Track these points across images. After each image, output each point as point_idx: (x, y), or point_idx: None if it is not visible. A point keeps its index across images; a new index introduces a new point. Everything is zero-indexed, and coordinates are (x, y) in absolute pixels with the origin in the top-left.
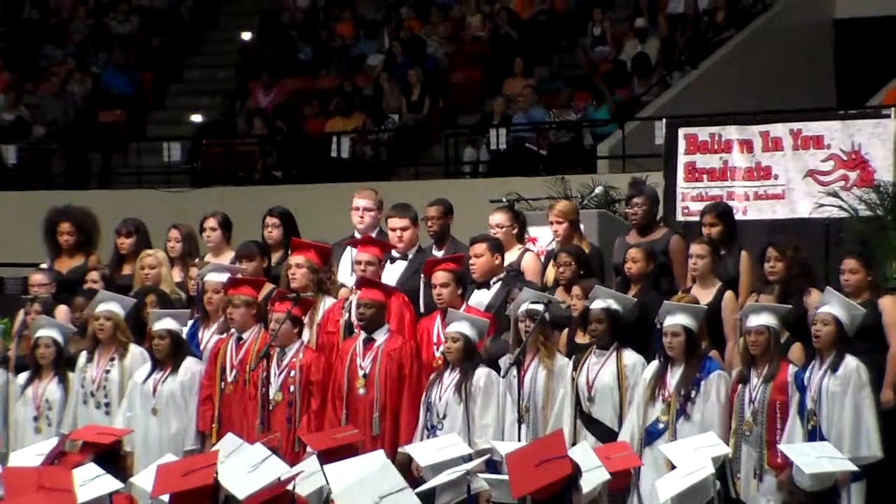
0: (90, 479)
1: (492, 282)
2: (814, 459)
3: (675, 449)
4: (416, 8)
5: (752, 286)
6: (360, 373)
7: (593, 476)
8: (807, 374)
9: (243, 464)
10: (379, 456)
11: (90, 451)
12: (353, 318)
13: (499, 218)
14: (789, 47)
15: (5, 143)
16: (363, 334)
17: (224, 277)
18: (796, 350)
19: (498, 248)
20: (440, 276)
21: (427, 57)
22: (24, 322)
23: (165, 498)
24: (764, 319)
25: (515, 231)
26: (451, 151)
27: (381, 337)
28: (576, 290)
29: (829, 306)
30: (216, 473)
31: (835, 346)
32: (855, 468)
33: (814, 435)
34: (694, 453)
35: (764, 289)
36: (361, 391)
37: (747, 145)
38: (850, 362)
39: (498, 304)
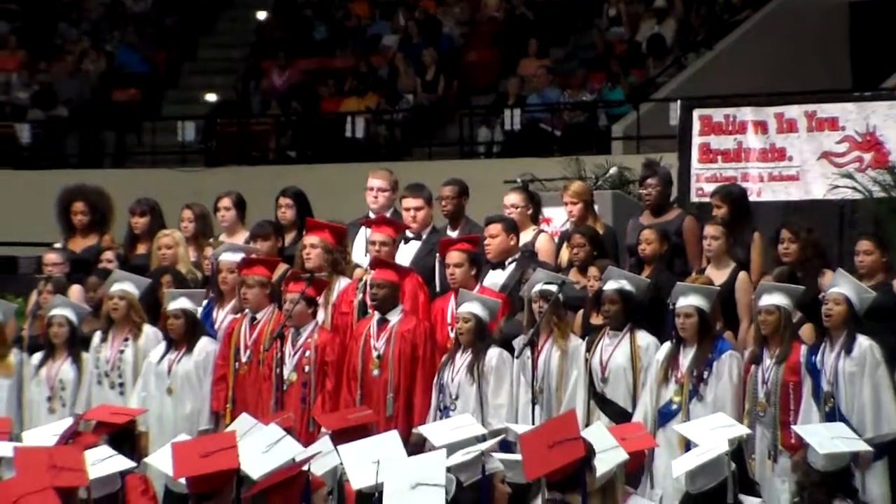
0: (102, 459)
1: (507, 262)
2: (828, 440)
3: (692, 428)
4: None
5: (765, 267)
6: (374, 354)
7: (610, 456)
8: (818, 356)
9: (258, 444)
10: (392, 436)
11: (104, 431)
12: (368, 299)
13: (514, 198)
14: (804, 29)
15: (20, 121)
16: (377, 315)
17: (238, 257)
18: (807, 330)
19: (513, 228)
20: (454, 257)
21: (442, 37)
22: (37, 302)
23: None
24: (775, 299)
25: (530, 212)
26: (465, 132)
27: (394, 318)
28: (592, 270)
29: (840, 287)
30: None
31: (845, 325)
32: (869, 448)
33: (832, 416)
34: (711, 433)
35: (770, 270)
36: (375, 372)
37: (762, 126)
38: (863, 342)
39: (512, 285)
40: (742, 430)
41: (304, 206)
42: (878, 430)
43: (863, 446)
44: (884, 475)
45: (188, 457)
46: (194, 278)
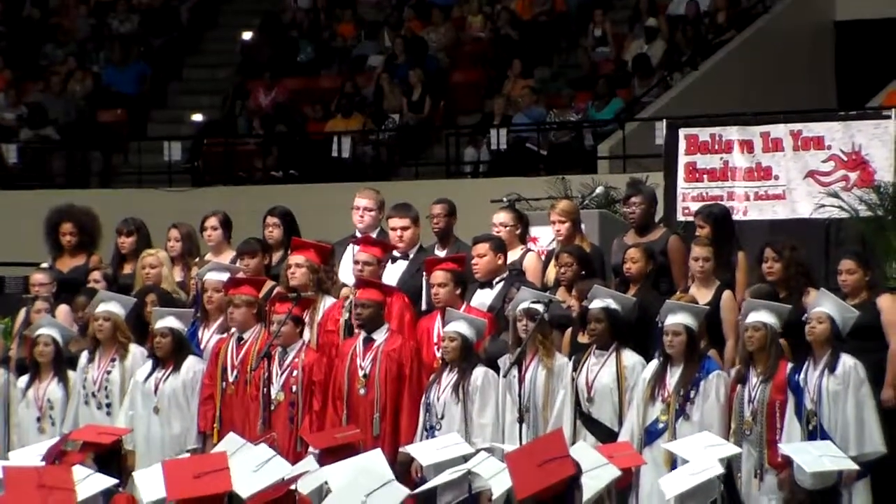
0: (84, 478)
1: (494, 282)
2: (815, 458)
3: (682, 446)
4: (416, 8)
5: (749, 286)
6: (361, 373)
7: (600, 474)
8: (801, 374)
9: (247, 463)
10: (376, 455)
11: (91, 450)
12: (353, 319)
13: (503, 217)
14: (790, 49)
15: (6, 141)
16: (363, 334)
17: (224, 276)
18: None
19: (501, 247)
20: (438, 276)
21: (428, 57)
22: (24, 322)
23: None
24: (762, 317)
25: (518, 231)
26: (451, 151)
27: (380, 337)
28: (577, 289)
29: (823, 306)
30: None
31: (829, 344)
32: (856, 466)
33: (814, 435)
34: (703, 451)
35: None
36: (362, 391)
37: (748, 146)
38: (847, 360)
39: (499, 305)
40: (732, 448)
41: (291, 225)
42: (861, 449)
43: (850, 464)
44: (866, 494)
45: (181, 478)
46: (178, 298)
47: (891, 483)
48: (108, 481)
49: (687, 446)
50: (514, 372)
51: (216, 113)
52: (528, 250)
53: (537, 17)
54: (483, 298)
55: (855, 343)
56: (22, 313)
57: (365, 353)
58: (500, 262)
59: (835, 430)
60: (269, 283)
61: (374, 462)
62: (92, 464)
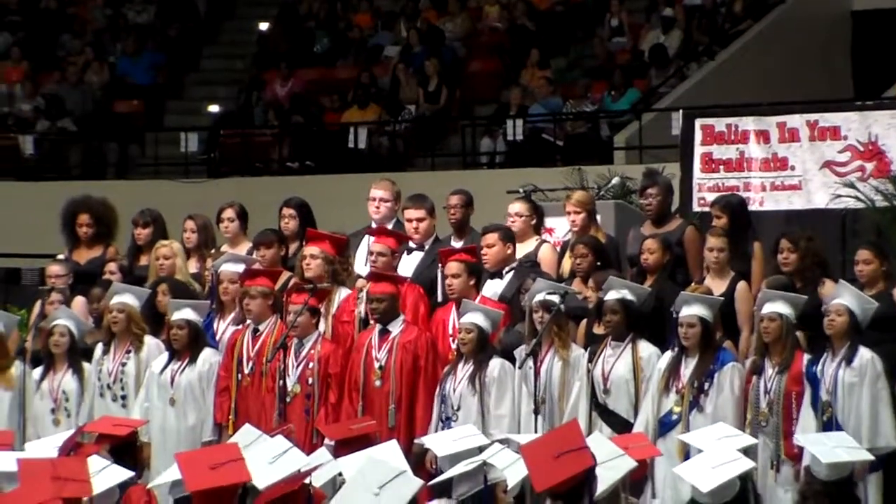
0: (101, 470)
1: (504, 272)
2: (830, 449)
3: (697, 437)
4: None
5: (766, 277)
6: (376, 365)
7: (616, 465)
8: (819, 365)
9: (264, 454)
10: (391, 446)
11: (106, 442)
12: (368, 312)
13: (518, 207)
14: (806, 38)
15: (23, 133)
16: (378, 326)
17: (239, 268)
18: (799, 338)
19: (510, 237)
20: (452, 267)
21: (444, 47)
22: (40, 314)
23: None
24: (778, 307)
25: (534, 222)
26: (467, 142)
27: (396, 328)
28: (593, 280)
29: (842, 298)
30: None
31: (848, 336)
32: (872, 458)
33: (829, 426)
34: (718, 443)
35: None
36: (377, 383)
37: (764, 136)
38: (865, 354)
39: (511, 295)
40: (748, 439)
41: (307, 216)
42: (874, 443)
43: (865, 455)
44: (877, 488)
45: (195, 468)
46: (192, 289)
47: None
48: (124, 473)
49: (702, 437)
50: (530, 363)
51: (232, 104)
52: (543, 241)
53: (554, 6)
54: (494, 288)
55: (870, 334)
56: (38, 305)
57: (381, 345)
58: (509, 251)
59: (848, 423)
60: (286, 275)
61: (388, 453)
62: (107, 455)
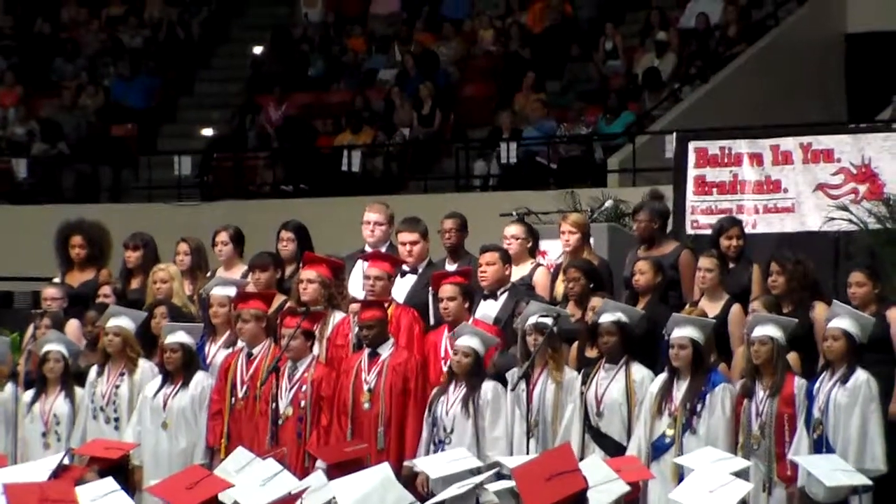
0: (101, 496)
1: (498, 293)
2: (831, 472)
3: (692, 461)
4: (427, 22)
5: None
6: (365, 387)
7: (609, 488)
8: (817, 384)
9: (255, 477)
10: (383, 469)
11: (97, 465)
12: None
13: (514, 230)
14: (800, 61)
15: (17, 156)
16: (367, 349)
17: (229, 291)
18: (792, 359)
19: (508, 259)
20: (447, 290)
21: (438, 71)
22: (33, 336)
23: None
24: (768, 330)
25: (529, 244)
26: (461, 165)
27: (385, 351)
28: (594, 302)
29: (838, 319)
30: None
31: (846, 359)
32: (868, 482)
33: (819, 444)
34: (712, 466)
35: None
36: (366, 406)
37: (757, 159)
38: (861, 375)
39: (505, 317)
40: (741, 462)
41: (305, 239)
42: (861, 465)
43: (863, 479)
44: None
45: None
46: (188, 312)
47: (894, 498)
48: (124, 500)
49: (696, 461)
50: (523, 385)
51: (226, 127)
52: (538, 265)
53: (548, 29)
54: (487, 310)
55: (864, 356)
56: (30, 328)
57: (370, 368)
58: (507, 272)
59: (837, 442)
60: (280, 298)
61: (386, 480)
62: (96, 477)
